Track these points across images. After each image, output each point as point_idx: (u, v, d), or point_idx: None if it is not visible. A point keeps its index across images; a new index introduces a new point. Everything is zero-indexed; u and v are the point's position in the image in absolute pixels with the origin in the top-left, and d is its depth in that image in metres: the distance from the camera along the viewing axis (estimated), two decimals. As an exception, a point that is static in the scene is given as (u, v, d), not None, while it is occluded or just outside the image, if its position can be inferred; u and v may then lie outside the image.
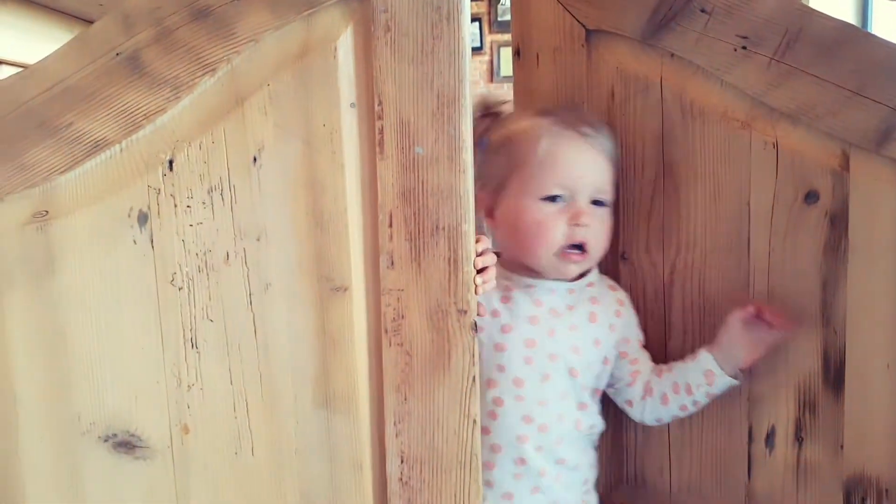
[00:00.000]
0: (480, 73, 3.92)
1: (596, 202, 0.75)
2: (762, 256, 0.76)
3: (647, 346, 0.82)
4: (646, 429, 0.82)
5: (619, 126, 0.79)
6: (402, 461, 0.69)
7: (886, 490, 0.72)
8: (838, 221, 0.73)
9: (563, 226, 0.74)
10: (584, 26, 0.80)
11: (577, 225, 0.74)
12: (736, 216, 0.77)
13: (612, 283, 0.82)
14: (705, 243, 0.78)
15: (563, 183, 0.74)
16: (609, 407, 0.82)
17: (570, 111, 0.77)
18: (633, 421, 0.81)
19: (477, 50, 3.86)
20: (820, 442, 0.77)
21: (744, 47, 0.71)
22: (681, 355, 0.80)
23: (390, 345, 0.68)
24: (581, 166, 0.75)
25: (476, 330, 0.67)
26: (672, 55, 0.76)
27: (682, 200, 0.79)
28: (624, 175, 0.78)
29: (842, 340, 0.74)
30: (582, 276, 0.79)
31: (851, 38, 0.69)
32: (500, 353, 0.77)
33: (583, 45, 0.80)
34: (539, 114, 0.77)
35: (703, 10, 0.73)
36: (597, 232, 0.75)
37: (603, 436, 0.82)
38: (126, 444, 0.71)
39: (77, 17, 1.13)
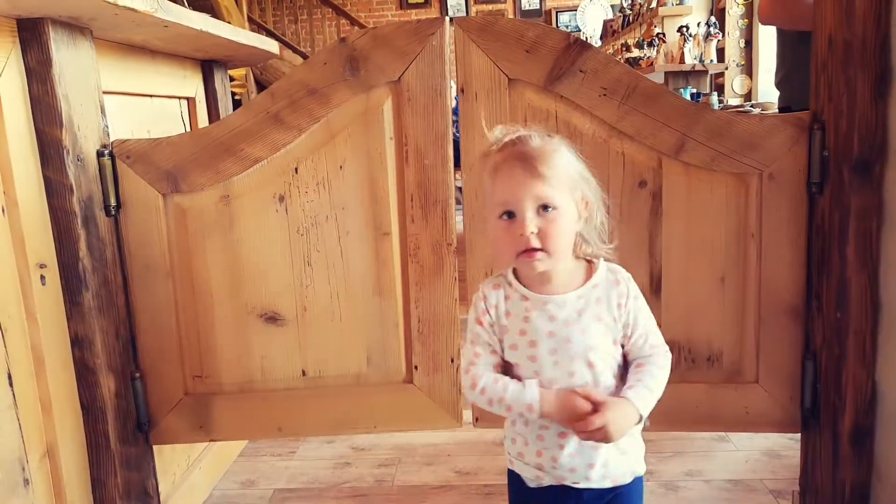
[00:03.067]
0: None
1: (544, 208, 0.86)
2: (616, 219, 1.13)
3: None
4: None
5: None
6: (418, 321, 1.33)
7: (683, 346, 1.31)
8: (657, 197, 1.28)
9: (516, 237, 0.86)
10: (506, 76, 1.21)
11: (522, 235, 0.85)
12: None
13: (619, 277, 0.94)
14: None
15: (507, 201, 0.87)
16: None
17: (512, 140, 0.89)
18: None
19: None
20: None
21: (605, 94, 1.29)
22: None
23: (412, 262, 1.31)
24: (516, 186, 0.86)
25: (456, 254, 1.31)
26: (562, 97, 1.22)
27: None
28: None
29: (659, 265, 1.29)
30: (588, 279, 0.93)
31: (660, 93, 1.29)
32: (533, 362, 0.92)
33: (506, 89, 1.22)
34: (492, 146, 0.91)
35: (581, 71, 1.31)
36: (549, 233, 0.85)
37: None
38: (272, 318, 1.33)
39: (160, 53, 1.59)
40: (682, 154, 1.23)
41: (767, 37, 4.87)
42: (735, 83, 4.97)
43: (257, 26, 6.96)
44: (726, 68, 4.81)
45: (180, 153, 1.28)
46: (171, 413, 1.35)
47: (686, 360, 1.30)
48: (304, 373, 1.36)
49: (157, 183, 1.28)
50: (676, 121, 1.22)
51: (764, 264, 1.23)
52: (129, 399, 1.31)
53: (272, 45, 1.89)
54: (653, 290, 1.28)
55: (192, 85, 1.82)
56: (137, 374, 1.32)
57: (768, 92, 4.99)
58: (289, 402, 1.36)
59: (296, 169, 1.29)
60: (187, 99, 1.82)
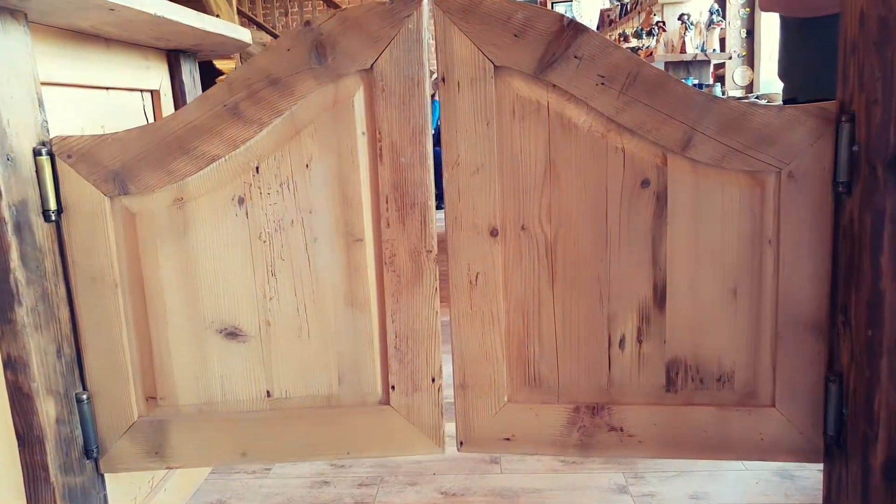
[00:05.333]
0: None
1: None
2: (615, 223, 1.11)
3: (539, 289, 1.15)
4: (541, 345, 1.18)
5: (519, 135, 1.12)
6: (395, 336, 1.20)
7: (690, 364, 1.17)
8: (661, 198, 1.10)
9: None
10: (492, 63, 1.09)
11: None
12: (598, 197, 1.11)
13: None
14: (578, 215, 1.12)
15: None
16: (514, 328, 1.18)
17: None
18: (535, 338, 1.16)
19: None
20: (652, 341, 1.14)
21: (602, 83, 1.14)
22: (563, 296, 1.15)
23: (388, 271, 1.18)
24: None
25: (436, 262, 1.17)
26: (554, 86, 1.08)
27: (562, 187, 1.12)
28: (523, 171, 1.17)
29: (664, 274, 1.15)
30: None
31: (665, 81, 1.15)
32: None
33: (492, 77, 1.09)
34: None
35: (575, 57, 1.17)
36: None
37: (509, 350, 1.18)
38: (232, 334, 1.20)
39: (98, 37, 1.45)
40: (690, 150, 1.09)
41: (769, 26, 4.72)
42: (736, 74, 4.82)
43: (248, 19, 6.81)
44: (729, 58, 4.65)
45: (128, 151, 1.14)
46: (124, 438, 1.23)
47: (693, 380, 1.16)
48: (268, 393, 1.23)
49: (102, 184, 1.15)
50: (683, 112, 1.08)
51: (782, 274, 1.09)
52: (73, 424, 1.18)
53: (243, 34, 1.75)
54: (656, 302, 1.14)
55: (156, 76, 1.69)
56: (84, 396, 1.19)
57: (770, 83, 4.84)
58: (253, 425, 1.23)
59: (257, 168, 1.16)
60: (151, 92, 1.68)
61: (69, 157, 1.13)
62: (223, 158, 1.15)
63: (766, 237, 1.10)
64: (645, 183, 1.12)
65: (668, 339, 1.15)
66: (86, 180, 1.14)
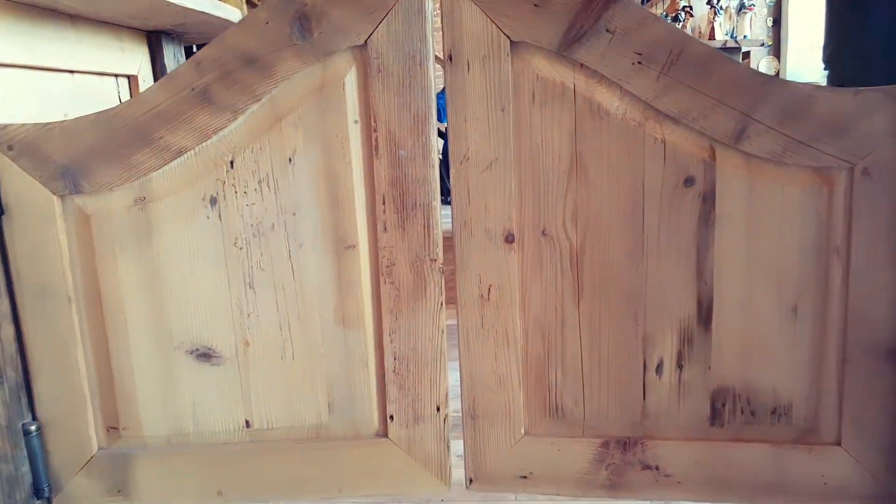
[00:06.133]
0: None
1: None
2: (653, 228, 0.95)
3: (563, 305, 0.99)
4: (564, 371, 1.01)
5: (540, 124, 0.95)
6: (394, 359, 1.03)
7: (739, 394, 0.99)
8: (708, 199, 0.93)
9: None
10: (508, 38, 0.93)
11: None
12: (633, 197, 0.95)
13: None
14: (610, 218, 0.96)
15: None
16: (533, 350, 1.01)
17: None
18: (557, 362, 1.00)
19: None
20: (694, 366, 0.98)
21: (639, 62, 0.91)
22: (590, 312, 0.99)
23: (385, 283, 1.01)
24: None
25: (443, 272, 1.00)
26: (582, 66, 0.93)
27: (591, 185, 0.95)
28: (544, 166, 0.96)
29: (710, 289, 0.95)
30: None
31: (716, 60, 0.90)
32: None
33: (508, 54, 0.94)
34: None
35: (607, 30, 0.97)
36: None
37: (527, 375, 1.02)
38: (205, 355, 1.04)
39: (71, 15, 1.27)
40: (744, 142, 0.92)
41: (798, 13, 4.51)
42: (762, 65, 4.61)
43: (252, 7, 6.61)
44: (762, 44, 4.41)
45: (80, 142, 0.98)
46: (81, 474, 1.06)
47: (743, 412, 0.99)
48: (248, 423, 1.06)
49: (51, 181, 0.98)
50: (736, 97, 0.91)
51: (852, 289, 0.92)
52: (19, 461, 1.01)
53: (230, 12, 1.58)
54: (701, 321, 0.97)
55: (134, 60, 1.52)
56: (34, 428, 1.03)
57: (797, 74, 4.63)
58: (230, 459, 1.07)
59: (231, 162, 0.99)
60: (127, 77, 1.52)
61: (10, 148, 0.97)
62: (192, 151, 0.98)
63: (834, 245, 0.92)
64: (689, 181, 0.95)
65: (713, 364, 0.98)
66: (30, 176, 0.97)
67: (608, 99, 0.95)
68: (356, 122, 0.98)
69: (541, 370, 1.03)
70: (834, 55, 1.63)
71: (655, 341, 0.99)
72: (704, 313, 0.97)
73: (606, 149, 0.96)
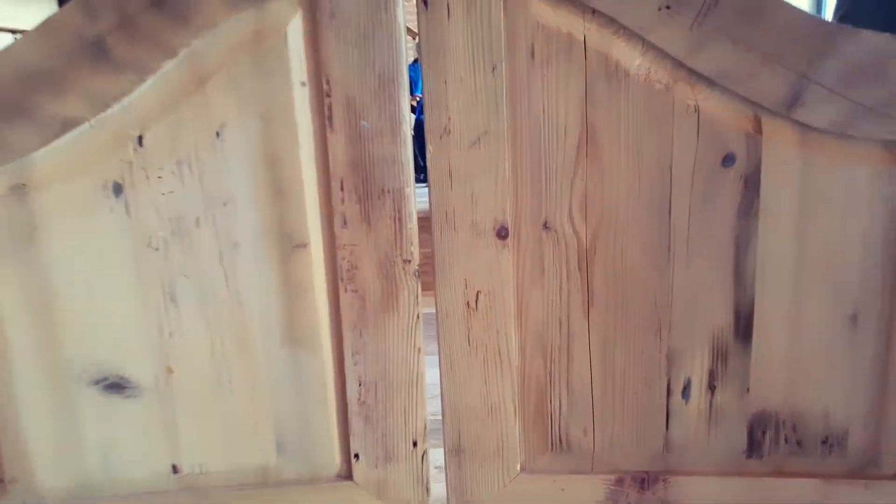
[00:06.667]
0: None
1: None
2: (682, 220, 0.77)
3: (568, 315, 0.81)
4: (570, 395, 0.83)
5: (541, 87, 0.75)
6: (359, 384, 0.82)
7: (783, 421, 0.81)
8: (751, 183, 0.75)
9: None
10: None
11: None
12: (657, 180, 0.76)
13: None
14: (628, 209, 0.77)
15: None
16: (532, 370, 0.83)
17: None
18: (561, 384, 0.82)
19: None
20: (729, 388, 0.81)
21: (668, 7, 0.71)
22: (602, 324, 0.80)
23: (346, 291, 0.80)
24: None
25: (418, 276, 0.80)
26: (595, 11, 0.72)
27: (605, 166, 0.76)
28: (547, 141, 0.76)
29: (750, 294, 0.77)
30: None
31: (767, 5, 0.70)
32: None
33: None
34: None
35: None
36: None
37: (524, 400, 0.83)
38: (116, 386, 0.81)
39: None
40: (798, 109, 0.73)
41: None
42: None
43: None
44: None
45: (-69, 112, 0.73)
46: (-40, 538, 0.84)
47: (787, 441, 0.82)
48: (175, 469, 0.84)
49: None
50: (791, 51, 0.71)
51: (926, 293, 0.75)
52: None
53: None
54: (738, 333, 0.79)
55: (40, 13, 1.24)
56: None
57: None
58: (154, 512, 0.85)
59: (139, 139, 0.75)
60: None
61: None
62: (87, 124, 0.74)
63: (906, 239, 0.75)
64: (728, 159, 0.75)
65: (752, 385, 0.80)
66: None
67: (628, 55, 0.74)
68: (303, 84, 0.75)
69: (541, 395, 0.83)
70: (846, 19, 1.46)
71: (682, 358, 0.81)
72: (743, 324, 0.79)
73: (625, 119, 0.75)
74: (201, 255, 0.78)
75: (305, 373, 0.82)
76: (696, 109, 0.74)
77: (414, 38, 3.95)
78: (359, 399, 0.83)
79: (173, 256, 0.78)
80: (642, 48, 0.74)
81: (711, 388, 0.81)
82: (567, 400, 0.84)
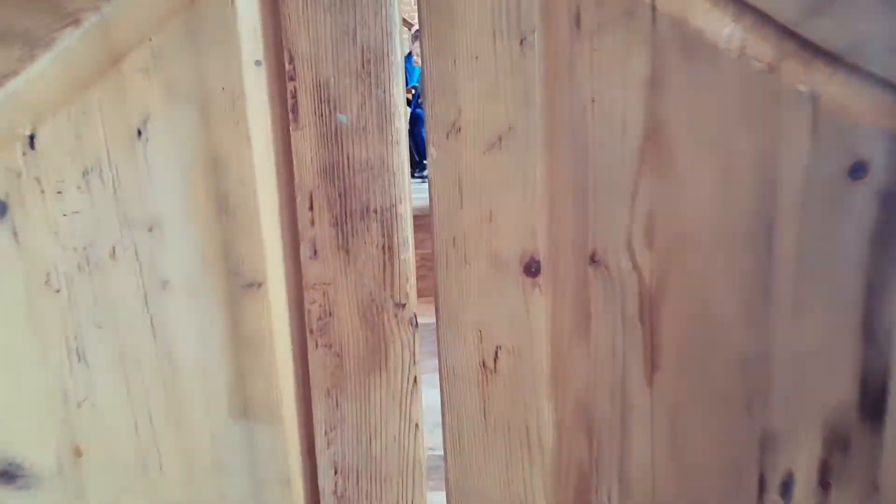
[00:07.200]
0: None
1: None
2: (788, 252, 0.56)
3: (623, 382, 0.60)
4: (624, 488, 0.63)
5: (589, 67, 0.54)
6: (335, 472, 0.61)
7: None
8: (890, 202, 0.54)
9: None
10: None
11: None
12: (755, 198, 0.56)
13: None
14: (711, 236, 0.57)
15: None
16: (572, 453, 0.62)
17: None
18: (611, 475, 0.62)
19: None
20: (851, 486, 0.61)
21: None
22: (670, 395, 0.60)
23: (317, 346, 0.58)
24: None
25: (416, 325, 0.58)
26: None
27: (679, 176, 0.56)
28: (595, 142, 0.55)
29: (885, 358, 0.57)
30: None
31: None
32: None
33: None
34: None
35: None
36: None
37: (559, 495, 0.62)
38: (4, 475, 0.60)
39: None
40: (958, 96, 0.50)
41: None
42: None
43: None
44: None
45: None
46: None
47: (927, 560, 0.59)
48: (90, 581, 0.63)
49: None
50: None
51: None
52: None
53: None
54: (865, 410, 0.57)
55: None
56: None
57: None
58: None
59: (31, 138, 0.55)
60: None
61: None
62: (-42, 117, 0.54)
63: None
64: (857, 169, 0.53)
65: (883, 480, 0.58)
66: None
67: (714, 21, 0.53)
68: (258, 63, 0.54)
69: (584, 487, 0.61)
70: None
71: (783, 443, 0.58)
72: (872, 398, 0.56)
73: (710, 111, 0.54)
74: (119, 297, 0.57)
75: (262, 454, 0.61)
76: (813, 98, 0.52)
77: (410, 30, 3.71)
78: (334, 491, 0.61)
79: (81, 299, 0.57)
80: (735, 10, 0.52)
81: (824, 484, 0.59)
82: (618, 494, 0.61)
